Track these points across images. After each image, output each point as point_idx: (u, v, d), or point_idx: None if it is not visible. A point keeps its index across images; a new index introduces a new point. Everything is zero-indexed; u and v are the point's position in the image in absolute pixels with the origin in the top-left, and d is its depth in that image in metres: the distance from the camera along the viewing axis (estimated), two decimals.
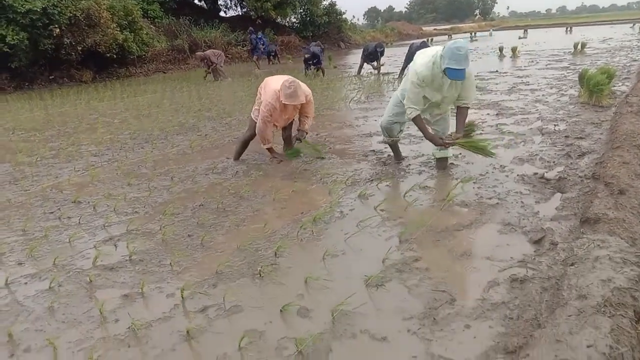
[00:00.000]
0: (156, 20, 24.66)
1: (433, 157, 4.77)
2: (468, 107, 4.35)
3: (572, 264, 2.62)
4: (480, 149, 4.41)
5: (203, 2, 33.08)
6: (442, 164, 4.70)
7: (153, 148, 6.51)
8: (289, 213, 3.90)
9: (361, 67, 14.85)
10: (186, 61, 23.91)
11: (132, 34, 20.03)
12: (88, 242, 3.57)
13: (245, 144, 5.59)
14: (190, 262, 3.14)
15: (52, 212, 4.26)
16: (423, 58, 4.17)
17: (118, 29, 18.83)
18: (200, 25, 26.90)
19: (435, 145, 4.49)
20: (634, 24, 33.68)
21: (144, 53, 21.54)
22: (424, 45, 11.58)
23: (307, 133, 5.46)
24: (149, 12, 24.27)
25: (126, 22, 19.70)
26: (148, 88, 14.78)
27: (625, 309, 2.11)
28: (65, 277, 3.04)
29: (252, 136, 5.44)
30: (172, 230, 3.65)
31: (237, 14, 34.26)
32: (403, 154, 5.21)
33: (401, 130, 4.91)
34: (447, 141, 4.37)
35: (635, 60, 12.88)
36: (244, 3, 32.55)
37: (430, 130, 4.47)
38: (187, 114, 9.16)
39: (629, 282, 2.29)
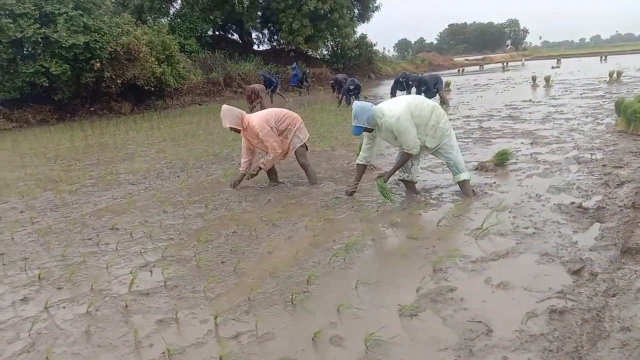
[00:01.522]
0: (192, 54, 25.49)
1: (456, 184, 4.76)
2: (406, 152, 4.61)
3: (614, 295, 2.53)
4: (386, 197, 4.70)
5: (237, 36, 34.05)
6: (465, 188, 4.69)
7: (188, 177, 6.65)
8: (321, 241, 3.91)
9: (393, 95, 14.90)
10: (221, 93, 24.51)
11: (170, 67, 20.72)
12: (124, 268, 3.64)
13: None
14: (223, 289, 3.17)
15: (90, 239, 4.38)
16: None
17: (156, 63, 19.52)
18: (234, 59, 27.67)
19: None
20: None
21: (180, 86, 22.21)
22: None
23: (259, 168, 5.69)
24: (185, 46, 25.15)
25: (164, 56, 20.41)
26: (184, 119, 15.17)
27: None
28: (102, 302, 3.11)
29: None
30: (206, 256, 3.70)
31: (269, 47, 35.14)
32: (435, 182, 5.20)
33: (413, 165, 4.85)
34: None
35: None
36: (276, 37, 33.43)
37: (358, 177, 5.06)
38: (221, 144, 9.35)
39: None
